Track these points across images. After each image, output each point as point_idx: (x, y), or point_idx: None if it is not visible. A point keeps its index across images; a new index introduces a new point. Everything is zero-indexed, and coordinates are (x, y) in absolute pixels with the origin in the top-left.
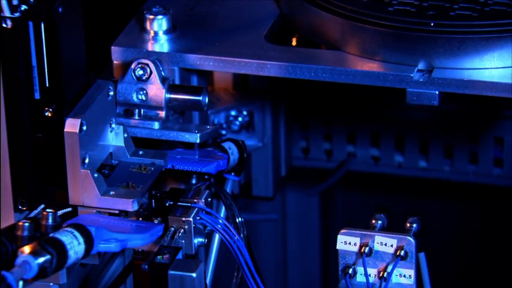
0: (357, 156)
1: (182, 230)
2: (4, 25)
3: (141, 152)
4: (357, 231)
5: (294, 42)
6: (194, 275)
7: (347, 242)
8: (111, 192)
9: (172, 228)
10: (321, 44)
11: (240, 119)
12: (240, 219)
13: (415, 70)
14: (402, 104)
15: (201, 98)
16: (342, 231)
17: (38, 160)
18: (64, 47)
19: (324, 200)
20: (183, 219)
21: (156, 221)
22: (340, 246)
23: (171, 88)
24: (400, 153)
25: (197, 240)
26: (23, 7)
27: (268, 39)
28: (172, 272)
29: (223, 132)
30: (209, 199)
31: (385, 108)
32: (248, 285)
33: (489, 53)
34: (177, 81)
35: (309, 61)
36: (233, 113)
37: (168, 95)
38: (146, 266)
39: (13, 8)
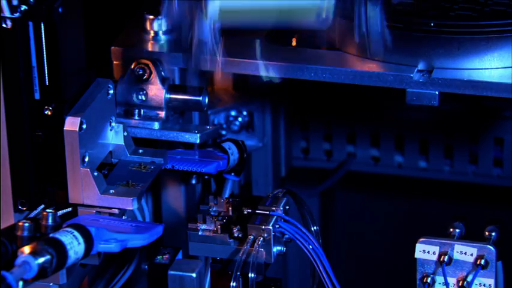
0: (357, 156)
1: (261, 239)
2: (4, 25)
3: (140, 151)
4: (436, 240)
5: (294, 43)
6: (194, 275)
7: (426, 251)
8: (111, 191)
9: (252, 237)
10: (321, 45)
11: (240, 119)
12: (315, 227)
13: (415, 70)
14: (402, 104)
15: (201, 98)
16: (421, 239)
17: (38, 159)
18: (64, 47)
19: (323, 200)
20: (263, 227)
21: (235, 229)
22: (418, 255)
23: (171, 88)
24: (400, 154)
25: (276, 249)
26: (23, 7)
27: (268, 39)
28: (172, 272)
29: (223, 132)
30: (287, 207)
31: (385, 108)
32: None
33: (489, 53)
34: (177, 82)
35: (309, 61)
36: (233, 113)
37: (168, 95)
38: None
39: (13, 8)
